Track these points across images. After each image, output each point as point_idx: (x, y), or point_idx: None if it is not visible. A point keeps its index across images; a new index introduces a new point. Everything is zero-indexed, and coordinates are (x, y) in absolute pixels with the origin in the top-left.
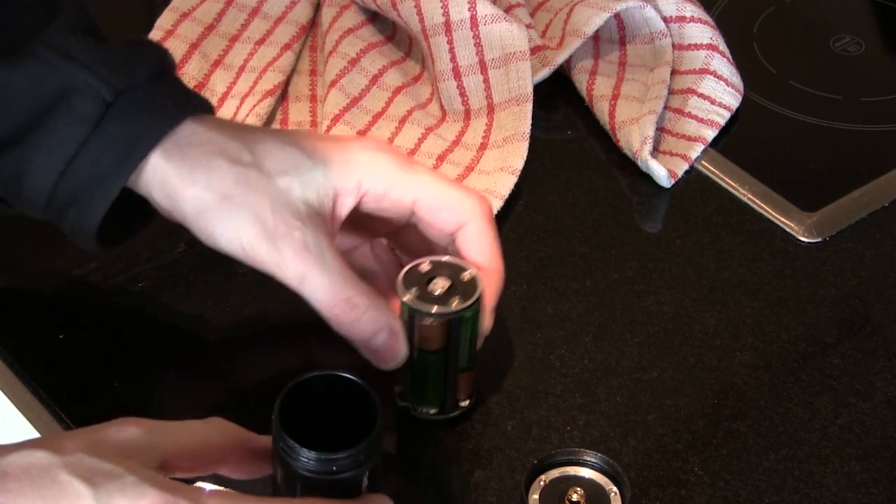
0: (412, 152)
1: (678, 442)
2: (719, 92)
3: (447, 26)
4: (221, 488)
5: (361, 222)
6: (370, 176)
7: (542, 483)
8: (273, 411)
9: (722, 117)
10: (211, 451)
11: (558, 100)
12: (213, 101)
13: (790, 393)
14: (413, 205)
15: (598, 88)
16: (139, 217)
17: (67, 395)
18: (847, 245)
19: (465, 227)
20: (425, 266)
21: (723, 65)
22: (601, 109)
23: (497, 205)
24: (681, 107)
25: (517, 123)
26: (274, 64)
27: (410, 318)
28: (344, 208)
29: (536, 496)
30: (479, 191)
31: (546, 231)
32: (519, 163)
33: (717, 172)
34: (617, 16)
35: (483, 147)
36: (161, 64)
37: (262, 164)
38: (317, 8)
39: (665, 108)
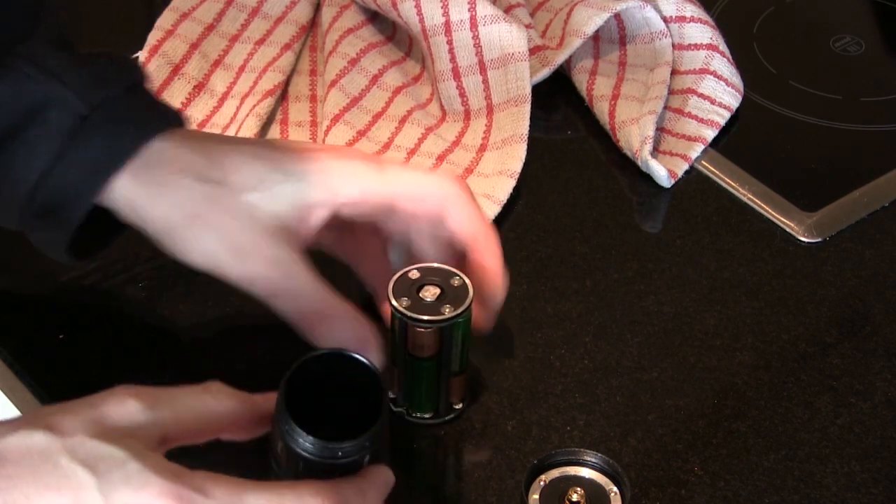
0: (412, 152)
1: (678, 442)
2: (719, 92)
3: (447, 27)
4: (223, 476)
5: (354, 230)
6: (344, 184)
7: (542, 483)
8: (279, 389)
9: (722, 117)
10: (211, 420)
11: (558, 100)
12: (213, 101)
13: (790, 393)
14: (392, 203)
15: (598, 88)
16: (113, 229)
17: (67, 395)
18: (847, 245)
19: (449, 210)
20: (414, 273)
21: (723, 65)
22: (601, 109)
23: (495, 210)
24: (681, 107)
25: (515, 125)
26: (274, 64)
27: (403, 326)
28: (317, 219)
29: (536, 496)
30: (477, 195)
31: (546, 231)
32: (517, 165)
33: (717, 172)
34: (617, 16)
35: (482, 148)
36: (134, 78)
37: (230, 180)
38: (317, 8)
39: (665, 108)
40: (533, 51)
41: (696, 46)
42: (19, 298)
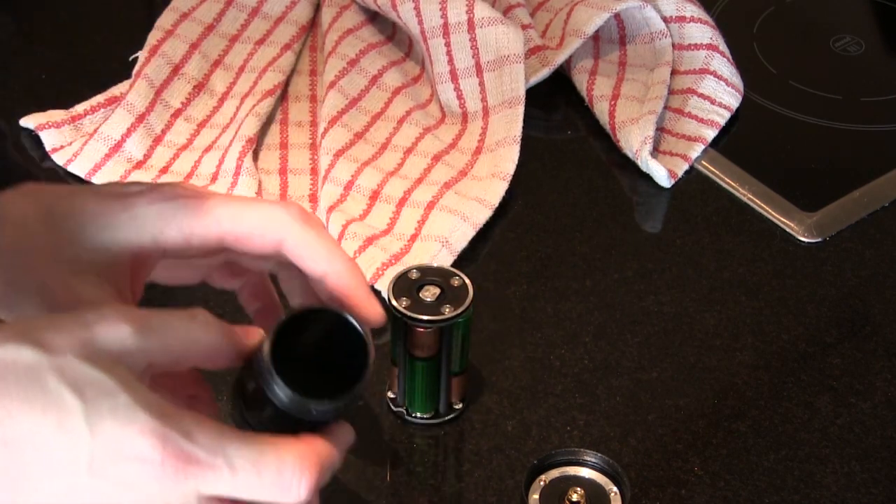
0: (408, 151)
1: (678, 442)
2: (719, 92)
3: (445, 28)
4: (209, 421)
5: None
6: (164, 231)
7: (542, 483)
8: (269, 335)
9: (722, 117)
10: (197, 350)
11: (558, 100)
12: (213, 101)
13: (790, 393)
14: (221, 242)
15: (598, 88)
16: None
17: None
18: (847, 245)
19: (284, 244)
20: (414, 274)
21: (723, 65)
22: (601, 109)
23: (486, 214)
24: (681, 107)
25: (509, 126)
26: (274, 64)
27: (403, 326)
28: (146, 266)
29: (536, 496)
30: (470, 199)
31: (546, 231)
32: (510, 167)
33: (717, 172)
34: (617, 16)
35: (478, 151)
36: None
37: (44, 245)
38: (317, 8)
39: (665, 108)
40: (533, 51)
41: (696, 46)
42: None
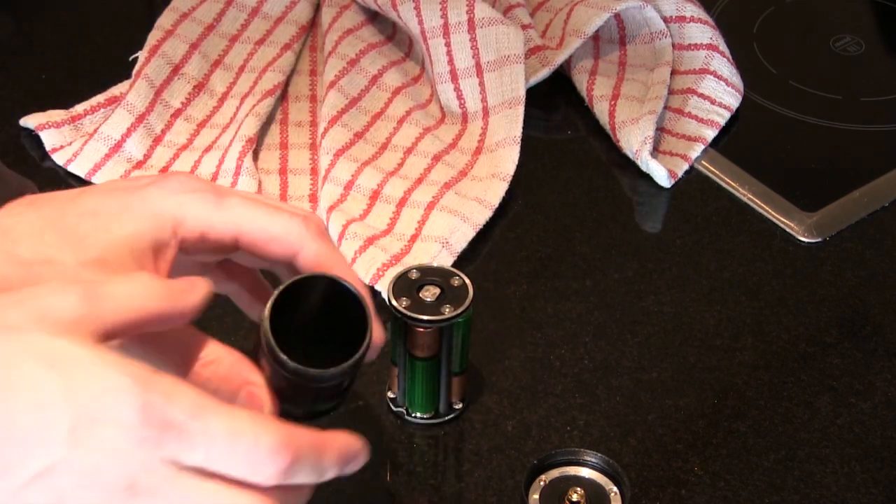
0: (408, 151)
1: (678, 442)
2: (719, 92)
3: (445, 29)
4: (188, 387)
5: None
6: (182, 223)
7: (542, 483)
8: (272, 298)
9: (722, 117)
10: (146, 312)
11: (558, 100)
12: (213, 101)
13: (790, 393)
14: (234, 242)
15: (598, 88)
16: None
17: None
18: (847, 245)
19: (300, 255)
20: (415, 274)
21: (723, 65)
22: (601, 109)
23: (486, 215)
24: (681, 107)
25: (509, 127)
26: (274, 64)
27: (403, 326)
28: (167, 261)
29: (536, 496)
30: (470, 199)
31: (546, 231)
32: (510, 167)
33: (717, 172)
34: (617, 16)
35: (478, 151)
36: None
37: (71, 253)
38: (317, 8)
39: (665, 108)
40: (533, 51)
41: (696, 46)
42: None
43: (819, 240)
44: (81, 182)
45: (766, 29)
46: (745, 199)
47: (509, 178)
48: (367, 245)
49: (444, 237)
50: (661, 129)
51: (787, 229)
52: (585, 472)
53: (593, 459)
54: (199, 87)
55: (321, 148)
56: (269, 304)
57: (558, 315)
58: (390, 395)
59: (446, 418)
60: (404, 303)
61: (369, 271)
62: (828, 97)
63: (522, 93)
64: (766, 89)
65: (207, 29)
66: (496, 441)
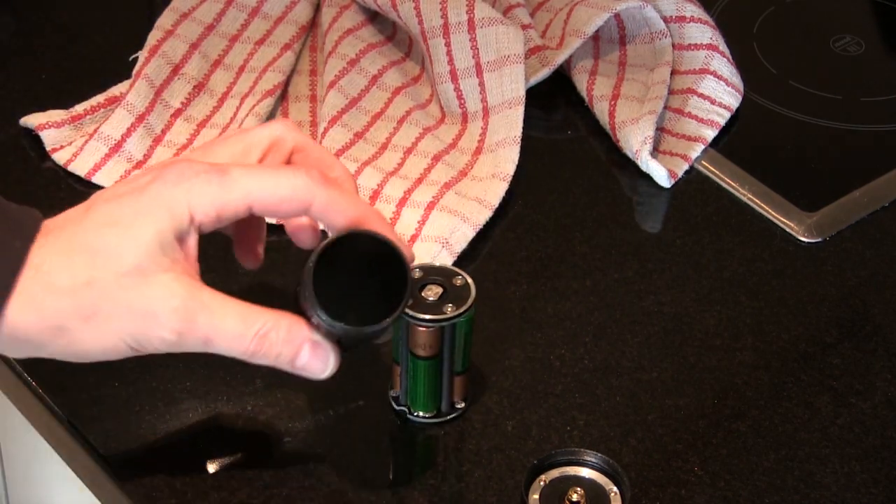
0: (408, 151)
1: (678, 442)
2: (719, 92)
3: (445, 28)
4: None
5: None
6: (196, 208)
7: (542, 483)
8: (316, 251)
9: (722, 117)
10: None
11: (558, 100)
12: (213, 101)
13: (790, 393)
14: (248, 212)
15: (598, 88)
16: None
17: (68, 394)
18: (847, 245)
19: (312, 207)
20: (417, 273)
21: (723, 65)
22: (601, 109)
23: (486, 215)
24: (681, 107)
25: (509, 127)
26: (274, 64)
27: (405, 325)
28: (192, 247)
29: (536, 496)
30: (470, 199)
31: (546, 231)
32: (511, 167)
33: (717, 172)
34: (617, 16)
35: (478, 151)
36: None
37: (107, 269)
38: (317, 8)
39: (665, 108)
40: (533, 51)
41: (696, 46)
42: None
43: (819, 240)
44: (81, 182)
45: (766, 29)
46: (745, 199)
47: (509, 178)
48: None
49: (444, 237)
50: (661, 129)
51: (787, 229)
52: (585, 472)
53: (593, 459)
54: (200, 87)
55: None
56: (313, 260)
57: (558, 315)
58: (392, 393)
59: (448, 417)
60: (396, 315)
61: None
62: (828, 97)
63: (522, 93)
64: (766, 89)
65: (207, 29)
66: (496, 441)
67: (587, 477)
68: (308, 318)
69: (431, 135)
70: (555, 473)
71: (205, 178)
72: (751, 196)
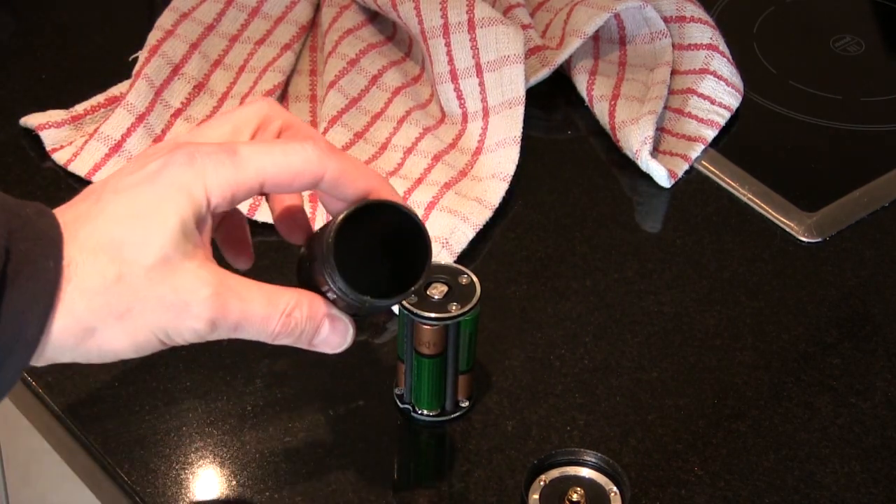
0: (408, 151)
1: (678, 442)
2: (719, 92)
3: (445, 29)
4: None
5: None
6: (213, 190)
7: (542, 483)
8: (330, 226)
9: (722, 117)
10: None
11: (558, 100)
12: (213, 101)
13: (790, 393)
14: (260, 189)
15: (598, 88)
16: None
17: (68, 394)
18: (847, 245)
19: (324, 178)
20: None
21: (723, 65)
22: (601, 109)
23: (486, 215)
24: (681, 107)
25: (510, 127)
26: (274, 64)
27: (409, 323)
28: (208, 231)
29: (536, 496)
30: (470, 199)
31: (546, 231)
32: (511, 168)
33: (717, 172)
34: (617, 16)
35: (478, 152)
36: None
37: (135, 263)
38: (317, 8)
39: (665, 108)
40: (533, 51)
41: (696, 46)
42: None
43: (819, 240)
44: (82, 182)
45: (766, 29)
46: (745, 199)
47: (509, 179)
48: None
49: (444, 237)
50: (661, 129)
51: (787, 229)
52: (585, 472)
53: (593, 459)
54: (199, 87)
55: None
56: (333, 233)
57: (558, 315)
58: (397, 391)
59: (452, 416)
60: (411, 300)
61: None
62: (828, 97)
63: (522, 93)
64: (766, 89)
65: (207, 29)
66: (496, 441)
67: (587, 477)
68: (323, 293)
69: (431, 135)
70: (555, 473)
71: (216, 158)
72: (751, 196)
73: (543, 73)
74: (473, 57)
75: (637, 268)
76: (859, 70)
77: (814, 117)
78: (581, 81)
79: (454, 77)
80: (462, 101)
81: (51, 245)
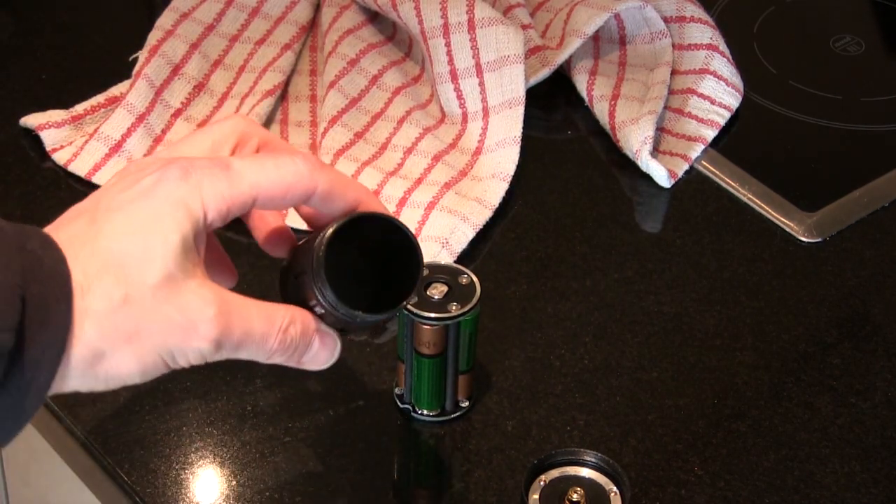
0: (408, 151)
1: (678, 442)
2: (719, 92)
3: (445, 29)
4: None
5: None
6: (209, 205)
7: (542, 483)
8: (321, 237)
9: (722, 117)
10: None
11: (558, 100)
12: (213, 101)
13: (790, 393)
14: (253, 204)
15: (598, 88)
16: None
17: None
18: (847, 245)
19: (316, 192)
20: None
21: (723, 65)
22: (601, 109)
23: (486, 215)
24: (681, 107)
25: (510, 127)
26: (274, 64)
27: (409, 323)
28: (203, 248)
29: (536, 496)
30: (470, 199)
31: (546, 231)
32: (511, 168)
33: (717, 172)
34: (617, 16)
35: (478, 152)
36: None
37: (140, 282)
38: (317, 8)
39: (665, 108)
40: (533, 51)
41: (696, 46)
42: None
43: (819, 240)
44: (81, 182)
45: (766, 29)
46: (745, 199)
47: (509, 179)
48: None
49: (444, 237)
50: (661, 129)
51: (787, 229)
52: (585, 472)
53: (593, 459)
54: (200, 87)
55: (321, 148)
56: (323, 247)
57: (558, 315)
58: (397, 391)
59: (453, 416)
60: (411, 300)
61: None
62: (828, 97)
63: (522, 93)
64: (766, 89)
65: (207, 29)
66: (496, 441)
67: (587, 477)
68: (310, 307)
69: (431, 135)
70: (555, 473)
71: (210, 172)
72: (751, 196)
73: (543, 73)
74: (473, 57)
75: (637, 268)
76: (859, 70)
77: (814, 117)
78: (581, 81)
79: (454, 77)
80: (462, 101)
81: (62, 284)
